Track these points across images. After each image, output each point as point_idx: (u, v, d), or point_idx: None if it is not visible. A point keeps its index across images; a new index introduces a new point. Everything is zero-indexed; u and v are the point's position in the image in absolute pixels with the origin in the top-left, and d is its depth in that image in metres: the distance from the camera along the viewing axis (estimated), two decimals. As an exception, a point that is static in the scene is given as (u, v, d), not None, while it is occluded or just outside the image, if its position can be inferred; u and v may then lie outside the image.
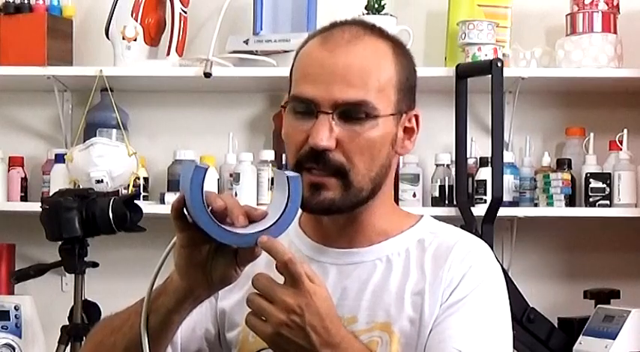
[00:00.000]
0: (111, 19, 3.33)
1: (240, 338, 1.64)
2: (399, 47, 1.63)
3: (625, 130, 3.31)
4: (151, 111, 3.54)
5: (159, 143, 3.51)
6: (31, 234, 3.29)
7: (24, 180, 3.45)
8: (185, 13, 3.36)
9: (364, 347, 1.49)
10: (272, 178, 3.30)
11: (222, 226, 1.43)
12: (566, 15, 3.33)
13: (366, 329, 1.57)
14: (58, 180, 3.31)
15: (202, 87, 3.40)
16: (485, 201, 3.20)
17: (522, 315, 3.07)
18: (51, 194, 3.09)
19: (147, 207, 3.04)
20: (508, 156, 3.28)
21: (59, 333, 2.91)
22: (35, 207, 2.98)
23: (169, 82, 3.41)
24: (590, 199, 3.26)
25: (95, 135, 3.30)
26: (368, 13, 3.27)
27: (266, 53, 3.35)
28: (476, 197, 3.27)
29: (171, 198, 3.28)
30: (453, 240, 1.62)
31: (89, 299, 2.92)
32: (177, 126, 3.52)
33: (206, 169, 1.43)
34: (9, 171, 3.44)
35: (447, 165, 3.34)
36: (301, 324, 1.42)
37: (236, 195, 3.25)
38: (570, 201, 3.27)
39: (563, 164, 3.31)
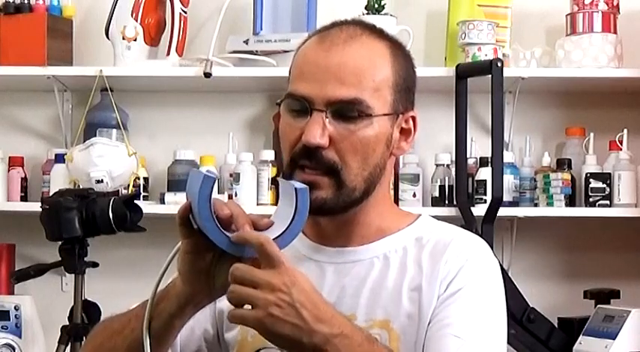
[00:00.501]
0: (111, 19, 3.33)
1: (238, 338, 1.64)
2: (397, 48, 1.63)
3: (625, 130, 3.31)
4: (151, 111, 3.54)
5: (159, 143, 3.51)
6: (31, 234, 3.29)
7: (24, 180, 3.45)
8: (185, 13, 3.36)
9: (355, 325, 1.48)
10: (272, 178, 3.30)
11: (229, 235, 1.43)
12: (566, 15, 3.33)
13: (365, 326, 1.57)
14: (58, 180, 3.31)
15: (202, 87, 3.40)
16: (485, 201, 3.20)
17: (522, 315, 3.07)
18: (51, 194, 3.09)
19: (147, 207, 3.04)
20: (508, 156, 3.28)
21: (59, 333, 2.91)
22: (35, 207, 2.98)
23: (169, 82, 3.41)
24: (590, 199, 3.26)
25: (95, 135, 3.30)
26: (368, 13, 3.27)
27: (266, 53, 3.35)
28: (476, 197, 3.27)
29: (171, 198, 3.28)
30: (450, 237, 1.63)
31: (89, 299, 2.92)
32: (177, 126, 3.52)
33: (215, 179, 1.44)
34: (9, 171, 3.44)
35: (447, 165, 3.34)
36: (290, 302, 1.40)
37: (236, 195, 3.25)
38: (570, 201, 3.27)
39: (563, 164, 3.31)
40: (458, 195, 3.25)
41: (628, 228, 3.39)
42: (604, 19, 3.28)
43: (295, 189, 1.46)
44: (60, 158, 3.33)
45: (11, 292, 3.41)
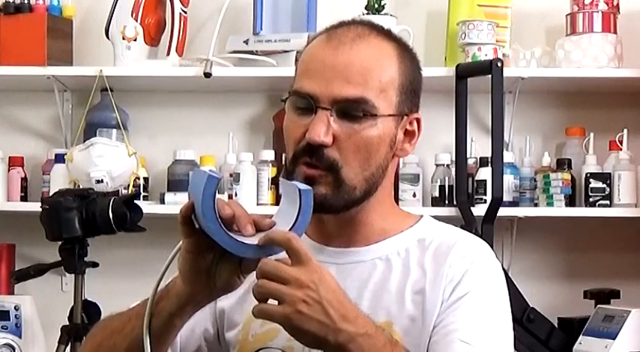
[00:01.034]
0: (111, 19, 3.33)
1: (239, 338, 1.64)
2: (405, 50, 1.63)
3: (625, 130, 3.31)
4: (151, 111, 3.54)
5: (159, 143, 3.51)
6: (31, 234, 3.29)
7: (24, 180, 3.45)
8: (185, 13, 3.36)
9: (378, 326, 1.48)
10: (272, 178, 3.30)
11: (232, 235, 1.43)
12: (566, 15, 3.33)
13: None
14: (58, 180, 3.31)
15: (202, 87, 3.40)
16: (485, 201, 3.20)
17: (522, 315, 3.07)
18: (51, 194, 3.09)
19: (147, 207, 3.04)
20: (508, 156, 3.28)
21: (59, 333, 2.91)
22: (35, 207, 2.98)
23: (169, 82, 3.41)
24: (590, 199, 3.26)
25: (95, 135, 3.30)
26: (368, 13, 3.27)
27: (266, 53, 3.34)
28: (476, 197, 3.27)
29: (171, 198, 3.28)
30: (454, 239, 1.63)
31: (89, 299, 2.92)
32: (177, 126, 3.52)
33: (219, 179, 1.43)
34: (9, 171, 3.44)
35: (447, 165, 3.34)
36: (318, 299, 1.40)
37: (236, 195, 3.25)
38: (570, 201, 3.27)
39: (563, 164, 3.31)
40: (458, 195, 3.25)
41: (628, 228, 3.39)
42: (604, 19, 3.28)
43: (299, 190, 1.46)
44: (60, 158, 3.33)
45: (11, 292, 3.41)
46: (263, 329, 1.62)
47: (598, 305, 3.17)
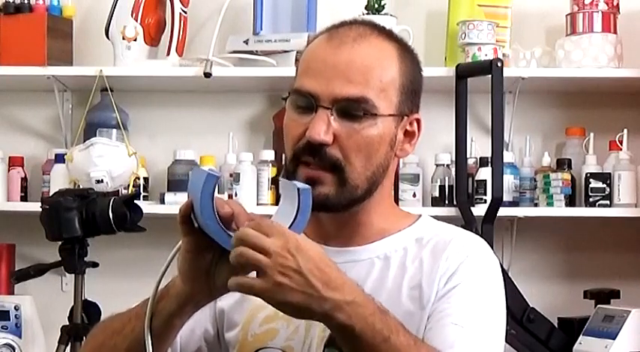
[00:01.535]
0: (111, 19, 3.33)
1: (239, 338, 1.64)
2: (405, 50, 1.63)
3: (625, 130, 3.31)
4: (151, 111, 3.54)
5: (159, 143, 3.51)
6: (31, 234, 3.29)
7: (24, 180, 3.45)
8: (185, 13, 3.36)
9: (368, 295, 1.46)
10: (272, 178, 3.30)
11: (230, 233, 1.43)
12: (566, 15, 3.33)
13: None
14: (58, 180, 3.31)
15: (202, 87, 3.40)
16: (485, 201, 3.20)
17: (522, 315, 3.07)
18: (51, 194, 3.09)
19: (147, 207, 3.04)
20: (508, 156, 3.28)
21: (59, 333, 2.91)
22: (35, 207, 2.98)
23: (169, 82, 3.41)
24: (590, 199, 3.26)
25: (95, 135, 3.30)
26: (368, 13, 3.27)
27: (266, 53, 3.34)
28: (476, 197, 3.27)
29: (171, 198, 3.28)
30: (451, 236, 1.63)
31: (89, 299, 2.92)
32: (177, 126, 3.52)
33: (218, 177, 1.43)
34: (9, 171, 3.44)
35: (447, 165, 3.34)
36: (297, 268, 1.38)
37: (236, 195, 3.25)
38: (570, 201, 3.27)
39: (563, 164, 3.31)
40: (458, 195, 3.25)
41: (628, 228, 3.39)
42: (604, 19, 3.28)
43: (298, 189, 1.46)
44: (60, 158, 3.33)
45: (11, 292, 3.41)
46: (262, 329, 1.62)
47: (598, 305, 3.17)
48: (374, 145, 1.57)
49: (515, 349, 3.06)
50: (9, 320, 3.28)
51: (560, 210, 3.25)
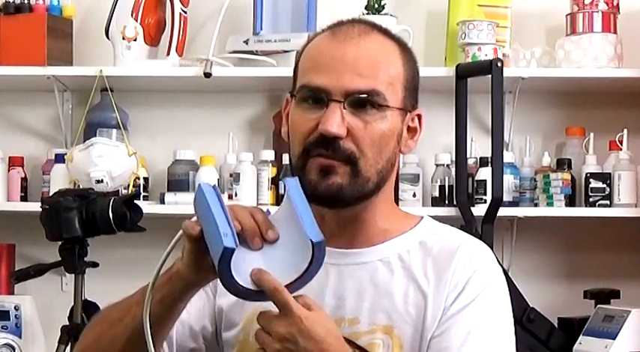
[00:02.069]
0: (111, 19, 3.33)
1: (240, 338, 1.64)
2: (405, 48, 1.65)
3: (625, 130, 3.31)
4: (151, 111, 3.53)
5: (159, 143, 3.51)
6: (31, 234, 3.29)
7: (24, 180, 3.45)
8: (185, 13, 3.36)
9: None
10: (271, 178, 3.30)
11: (236, 280, 1.44)
12: (566, 15, 3.33)
13: (368, 330, 1.57)
14: (58, 180, 3.31)
15: (202, 87, 3.40)
16: (485, 201, 3.20)
17: (522, 315, 3.07)
18: (51, 194, 3.09)
19: (147, 207, 3.04)
20: (508, 156, 3.28)
21: (59, 333, 2.91)
22: (35, 207, 2.98)
23: (169, 82, 3.41)
24: (590, 199, 3.26)
25: (95, 135, 3.30)
26: (368, 13, 3.27)
27: (266, 53, 3.34)
28: (476, 197, 3.27)
29: (171, 198, 3.28)
30: (456, 243, 1.62)
31: (89, 299, 2.92)
32: (177, 126, 3.52)
33: (233, 251, 1.43)
34: (9, 171, 3.44)
35: (447, 165, 3.34)
36: (295, 350, 1.43)
37: (236, 195, 3.25)
38: (570, 201, 3.27)
39: (563, 164, 3.31)
40: (458, 195, 3.25)
41: (628, 228, 3.39)
42: (604, 19, 3.28)
43: (312, 242, 1.45)
44: (60, 158, 3.33)
45: (11, 292, 3.41)
46: (264, 329, 1.62)
47: (598, 305, 3.17)
48: (385, 138, 1.58)
49: (516, 349, 3.06)
50: (9, 320, 3.28)
51: (560, 210, 3.25)
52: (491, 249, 1.67)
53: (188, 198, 3.23)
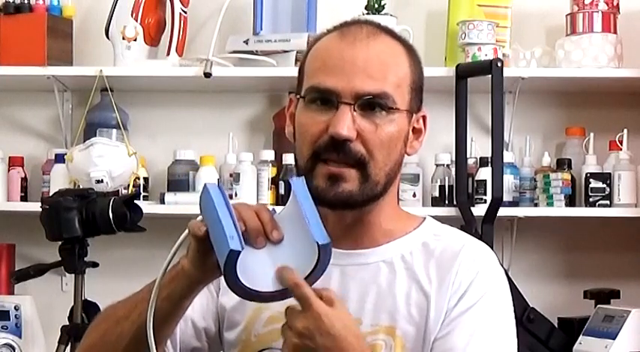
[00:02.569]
0: (111, 19, 3.33)
1: (242, 338, 1.64)
2: (411, 49, 1.65)
3: (625, 130, 3.31)
4: (151, 111, 3.53)
5: (159, 143, 3.51)
6: (31, 234, 3.29)
7: (24, 180, 3.45)
8: (185, 13, 3.36)
9: None
10: (271, 178, 3.30)
11: (241, 281, 1.44)
12: (566, 15, 3.33)
13: (371, 331, 1.57)
14: (58, 180, 3.31)
15: (202, 87, 3.40)
16: (485, 201, 3.20)
17: (522, 315, 3.07)
18: (51, 194, 3.09)
19: (147, 207, 3.04)
20: (508, 156, 3.28)
21: (59, 333, 2.91)
22: (35, 207, 2.98)
23: (169, 82, 3.41)
24: (590, 199, 3.26)
25: (95, 135, 3.30)
26: (368, 13, 3.27)
27: (266, 53, 3.34)
28: (476, 197, 3.27)
29: (171, 198, 3.28)
30: (459, 245, 1.62)
31: (89, 299, 2.92)
32: (177, 126, 3.52)
33: (238, 253, 1.44)
34: (9, 171, 3.44)
35: (447, 165, 3.34)
36: (312, 346, 1.43)
37: (236, 195, 3.25)
38: (570, 201, 3.27)
39: (563, 164, 3.31)
40: (458, 195, 3.25)
41: (628, 228, 3.39)
42: (604, 19, 3.28)
43: (318, 244, 1.45)
44: (60, 158, 3.33)
45: (11, 292, 3.41)
46: (266, 329, 1.62)
47: (598, 305, 3.17)
48: (393, 140, 1.58)
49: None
50: (9, 320, 3.28)
51: (560, 210, 3.25)
52: (491, 249, 1.67)
53: (188, 198, 3.24)
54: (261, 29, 3.35)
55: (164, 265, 1.52)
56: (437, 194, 3.32)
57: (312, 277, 1.46)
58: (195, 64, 3.32)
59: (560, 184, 3.25)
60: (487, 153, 3.20)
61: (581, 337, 3.10)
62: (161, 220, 3.06)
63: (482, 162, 3.28)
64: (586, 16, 3.28)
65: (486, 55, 3.24)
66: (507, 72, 3.16)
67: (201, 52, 3.35)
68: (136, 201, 2.86)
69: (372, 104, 1.56)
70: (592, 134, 3.35)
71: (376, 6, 3.28)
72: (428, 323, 1.56)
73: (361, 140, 1.55)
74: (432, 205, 3.30)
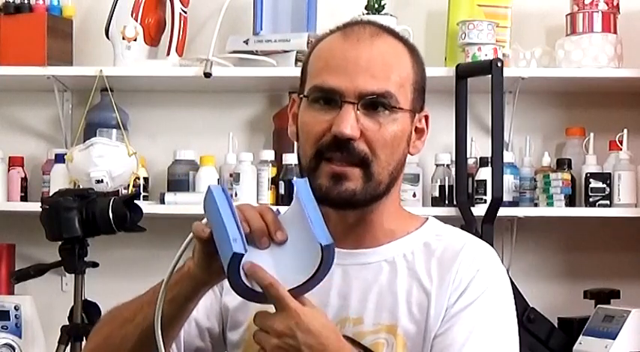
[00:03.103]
0: (111, 19, 3.33)
1: (245, 338, 1.64)
2: (413, 49, 1.66)
3: (625, 130, 3.31)
4: (151, 111, 3.53)
5: (159, 143, 3.51)
6: (31, 234, 3.29)
7: (24, 180, 3.45)
8: (185, 13, 3.36)
9: None
10: (271, 178, 3.29)
11: (245, 283, 1.44)
12: (566, 15, 3.33)
13: (372, 330, 1.57)
14: (58, 180, 3.31)
15: (202, 87, 3.40)
16: (485, 201, 3.20)
17: (522, 315, 3.07)
18: (51, 194, 3.09)
19: (147, 207, 3.04)
20: (508, 156, 3.28)
21: (59, 333, 2.91)
22: (35, 207, 2.98)
23: (169, 82, 3.41)
24: (590, 199, 3.26)
25: (95, 135, 3.30)
26: (368, 13, 3.26)
27: (266, 53, 3.34)
28: (476, 197, 3.27)
29: (171, 198, 3.28)
30: (460, 244, 1.63)
31: (89, 299, 2.92)
32: (177, 126, 3.52)
33: (242, 256, 1.43)
34: (9, 171, 3.44)
35: (447, 165, 3.34)
36: (295, 345, 1.43)
37: (236, 195, 3.25)
38: (570, 201, 3.27)
39: (563, 164, 3.31)
40: (458, 195, 3.25)
41: (628, 228, 3.39)
42: (604, 19, 3.28)
43: (321, 245, 1.45)
44: (60, 158, 3.33)
45: (11, 292, 3.41)
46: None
47: (598, 305, 3.17)
48: (396, 140, 1.59)
49: (516, 349, 3.06)
50: (9, 320, 3.28)
51: (560, 210, 3.25)
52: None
53: (188, 198, 3.24)
54: (261, 29, 3.35)
55: (170, 267, 1.51)
56: (437, 194, 3.32)
57: (315, 278, 1.45)
58: (195, 64, 3.32)
59: (560, 184, 3.25)
60: (487, 153, 3.20)
61: (581, 337, 3.10)
62: (161, 220, 3.06)
63: (482, 162, 3.28)
64: (586, 16, 3.28)
65: (486, 55, 3.24)
66: (507, 72, 3.16)
67: (201, 52, 3.35)
68: (136, 201, 2.86)
69: (375, 103, 1.56)
70: (592, 134, 3.35)
71: (376, 6, 3.28)
72: (428, 320, 1.56)
73: (365, 139, 1.56)
74: (432, 205, 3.31)
